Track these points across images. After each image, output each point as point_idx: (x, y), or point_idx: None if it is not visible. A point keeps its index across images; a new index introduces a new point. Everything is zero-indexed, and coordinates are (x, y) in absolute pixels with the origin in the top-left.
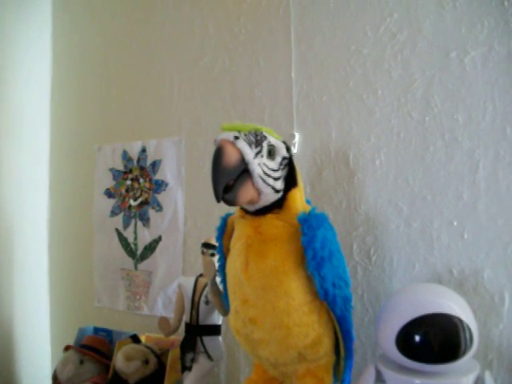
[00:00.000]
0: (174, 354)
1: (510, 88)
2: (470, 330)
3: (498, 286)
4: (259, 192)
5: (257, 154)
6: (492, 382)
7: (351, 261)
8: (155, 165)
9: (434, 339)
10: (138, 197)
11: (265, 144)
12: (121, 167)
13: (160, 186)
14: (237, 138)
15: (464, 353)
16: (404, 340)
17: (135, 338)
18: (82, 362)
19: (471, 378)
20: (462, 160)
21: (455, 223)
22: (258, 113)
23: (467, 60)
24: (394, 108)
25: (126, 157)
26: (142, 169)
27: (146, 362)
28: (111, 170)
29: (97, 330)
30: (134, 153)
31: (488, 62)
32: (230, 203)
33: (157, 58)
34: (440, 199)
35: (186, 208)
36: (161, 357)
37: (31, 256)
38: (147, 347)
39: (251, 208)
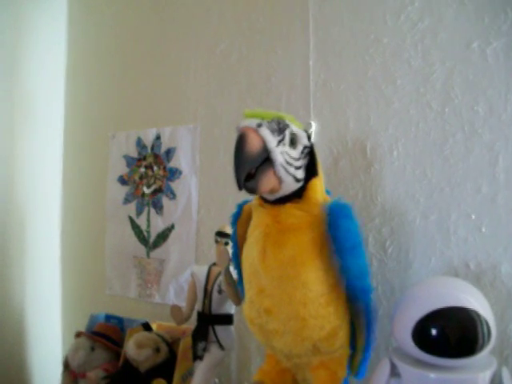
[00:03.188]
0: (185, 343)
1: None
2: (487, 324)
3: None
4: (280, 181)
5: (279, 142)
6: (509, 378)
7: (367, 252)
8: (169, 152)
9: (451, 333)
10: (152, 184)
11: (287, 132)
12: (135, 154)
13: (174, 173)
14: (260, 125)
15: (481, 348)
16: (420, 333)
17: (146, 326)
18: (93, 349)
19: (488, 373)
20: (482, 152)
21: (473, 216)
22: (274, 101)
23: (489, 51)
24: (413, 98)
25: (140, 144)
26: (156, 156)
27: (158, 350)
28: (125, 156)
29: (108, 318)
30: (149, 140)
31: (510, 53)
32: (252, 191)
33: (173, 44)
34: (458, 192)
35: (199, 196)
36: (172, 345)
37: (44, 243)
38: (159, 335)
39: (271, 197)
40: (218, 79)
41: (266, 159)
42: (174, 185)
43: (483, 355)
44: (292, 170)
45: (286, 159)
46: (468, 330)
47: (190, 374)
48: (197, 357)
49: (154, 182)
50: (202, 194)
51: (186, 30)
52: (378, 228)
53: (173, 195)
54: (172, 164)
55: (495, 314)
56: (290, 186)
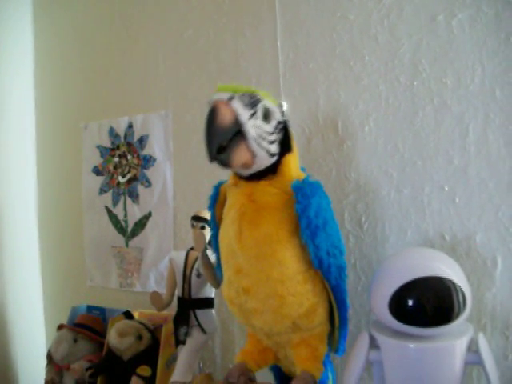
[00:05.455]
0: (167, 329)
1: (499, 50)
2: (462, 292)
3: (490, 250)
4: (253, 155)
5: (251, 115)
6: (486, 343)
7: (343, 229)
8: (142, 140)
9: (426, 303)
10: (127, 173)
11: (260, 106)
12: (108, 144)
13: (148, 161)
14: (231, 98)
15: (457, 315)
16: (397, 305)
17: (128, 315)
18: (75, 341)
19: (465, 340)
20: (452, 124)
21: (446, 188)
22: (244, 83)
23: (454, 22)
24: (382, 74)
25: (112, 133)
26: (129, 145)
27: (140, 337)
28: (98, 147)
29: (90, 309)
30: (121, 129)
31: (476, 24)
32: (224, 164)
33: (140, 31)
34: (430, 164)
35: (174, 182)
36: (154, 332)
37: (21, 237)
38: (140, 323)
39: (245, 173)
40: (187, 64)
41: (238, 132)
42: (149, 172)
43: (460, 323)
44: (265, 144)
45: (259, 133)
46: (443, 299)
47: (173, 359)
48: (179, 342)
49: (129, 171)
50: (177, 180)
51: (154, 17)
52: (353, 204)
53: (148, 183)
54: (145, 152)
55: (471, 283)
56: (264, 161)
